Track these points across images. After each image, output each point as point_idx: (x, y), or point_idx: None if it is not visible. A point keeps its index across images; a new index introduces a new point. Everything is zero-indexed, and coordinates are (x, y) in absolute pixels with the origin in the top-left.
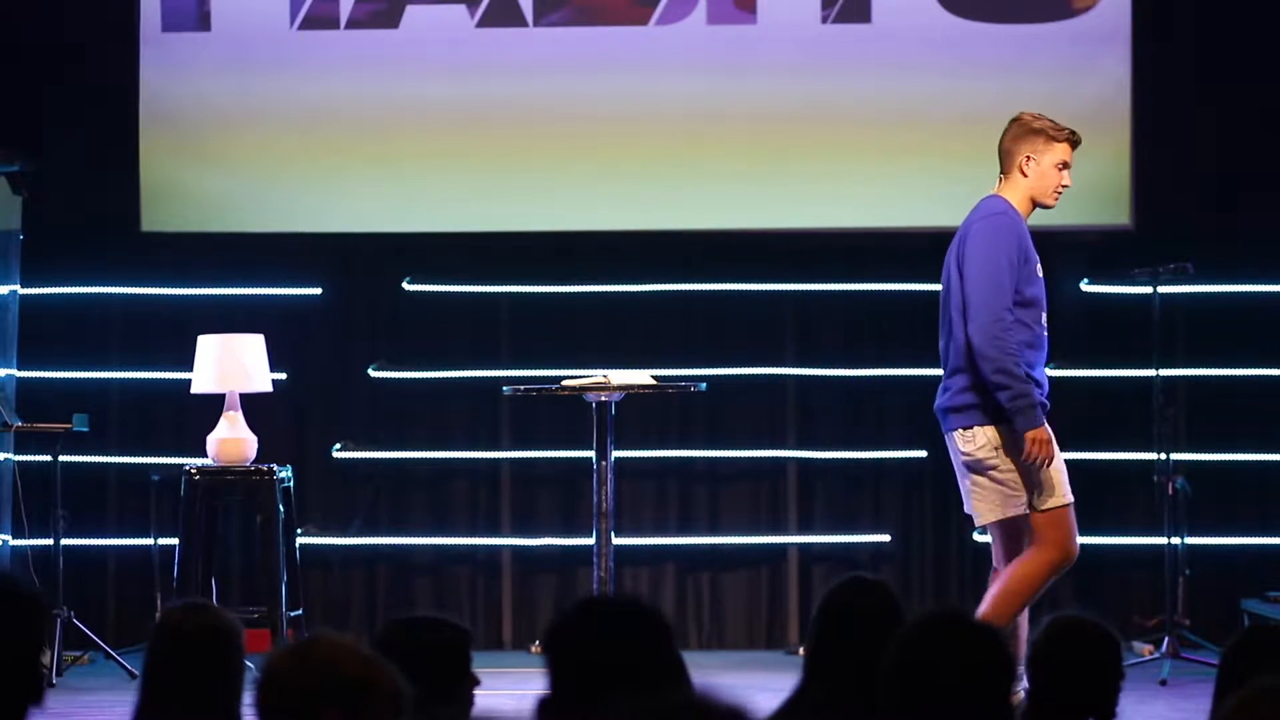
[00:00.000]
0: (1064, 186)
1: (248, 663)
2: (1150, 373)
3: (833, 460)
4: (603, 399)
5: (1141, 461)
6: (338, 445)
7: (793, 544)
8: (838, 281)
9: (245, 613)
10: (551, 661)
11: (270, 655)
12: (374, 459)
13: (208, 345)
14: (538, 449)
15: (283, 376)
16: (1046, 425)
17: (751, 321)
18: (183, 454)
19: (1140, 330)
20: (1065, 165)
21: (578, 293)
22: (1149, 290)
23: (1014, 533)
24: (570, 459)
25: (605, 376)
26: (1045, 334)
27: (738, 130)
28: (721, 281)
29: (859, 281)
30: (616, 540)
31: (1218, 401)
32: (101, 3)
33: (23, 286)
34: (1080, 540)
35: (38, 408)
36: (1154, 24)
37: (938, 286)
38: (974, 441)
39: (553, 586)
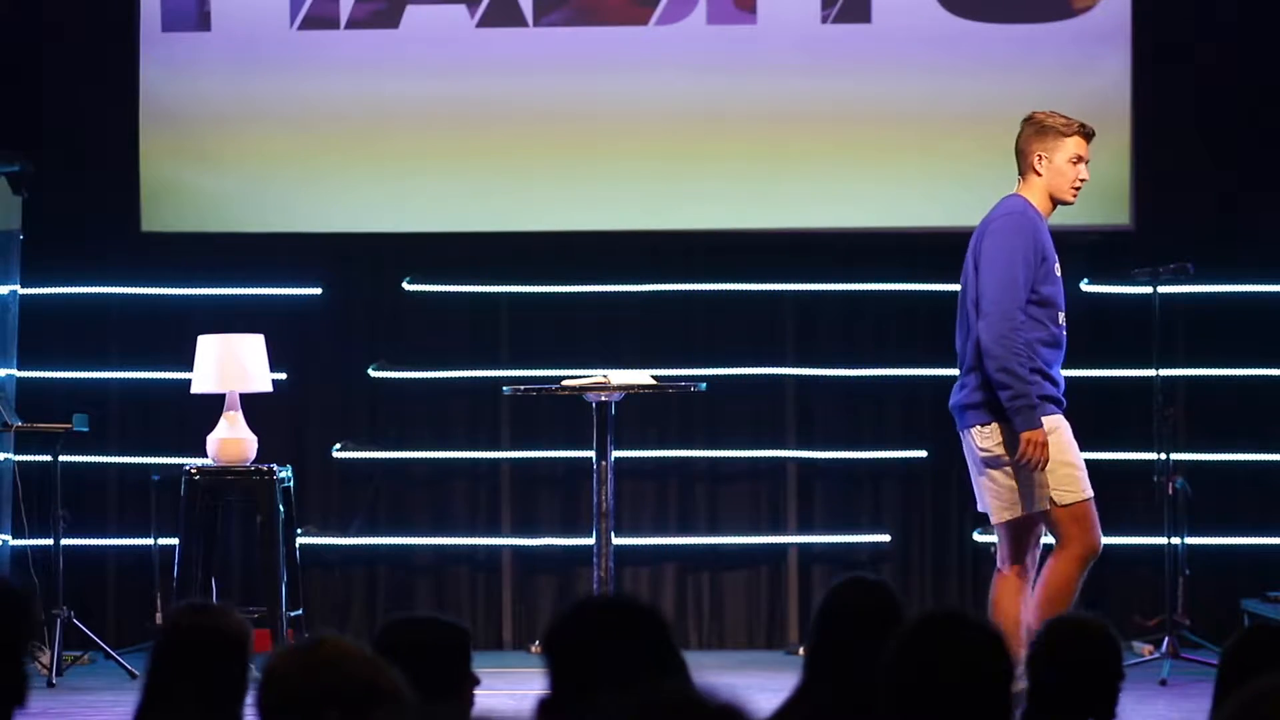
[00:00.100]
0: (1082, 180)
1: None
2: (1150, 373)
3: (832, 460)
4: (603, 399)
5: (1141, 461)
6: (338, 445)
7: (792, 544)
8: (837, 281)
9: (245, 613)
10: (551, 661)
11: (273, 657)
12: (374, 459)
13: (208, 345)
14: (538, 449)
15: (283, 376)
16: (1048, 424)
17: (751, 321)
18: (183, 454)
19: (1140, 330)
20: (1080, 159)
21: (577, 293)
22: (1149, 290)
23: (1021, 534)
24: (570, 459)
25: (605, 376)
26: (1063, 333)
27: (737, 130)
28: (721, 281)
29: (859, 281)
30: (616, 540)
31: (1218, 401)
32: (101, 3)
33: (23, 286)
34: None
35: (38, 408)
36: (1154, 24)
37: (938, 286)
38: (992, 438)
39: (553, 587)
